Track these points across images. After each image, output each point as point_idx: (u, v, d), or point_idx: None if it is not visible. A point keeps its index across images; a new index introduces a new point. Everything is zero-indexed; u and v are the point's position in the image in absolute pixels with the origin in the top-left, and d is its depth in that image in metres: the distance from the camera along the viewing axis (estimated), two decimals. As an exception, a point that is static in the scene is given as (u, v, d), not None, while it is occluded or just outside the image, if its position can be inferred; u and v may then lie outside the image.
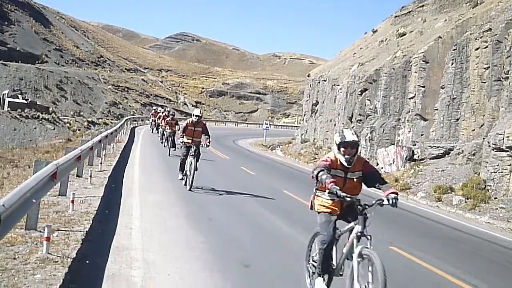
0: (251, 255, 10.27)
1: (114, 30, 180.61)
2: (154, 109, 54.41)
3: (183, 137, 18.63)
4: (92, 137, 24.06)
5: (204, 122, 19.53)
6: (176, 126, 32.74)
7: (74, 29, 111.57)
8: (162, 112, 43.42)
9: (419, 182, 26.04)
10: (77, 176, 17.96)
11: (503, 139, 21.31)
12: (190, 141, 18.54)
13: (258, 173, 27.23)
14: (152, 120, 51.08)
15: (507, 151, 21.23)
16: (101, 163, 21.65)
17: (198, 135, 18.59)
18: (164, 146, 33.53)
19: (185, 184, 18.14)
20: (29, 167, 22.08)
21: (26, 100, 60.21)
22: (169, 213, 13.75)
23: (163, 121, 37.36)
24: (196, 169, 17.86)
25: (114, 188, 16.54)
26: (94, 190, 15.86)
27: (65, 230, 10.24)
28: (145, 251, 9.52)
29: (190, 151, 18.26)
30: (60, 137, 51.54)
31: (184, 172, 18.54)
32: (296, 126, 78.54)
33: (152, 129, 49.69)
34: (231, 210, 15.22)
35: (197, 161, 18.09)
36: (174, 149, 29.87)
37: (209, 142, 19.02)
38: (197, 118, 18.62)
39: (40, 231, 9.50)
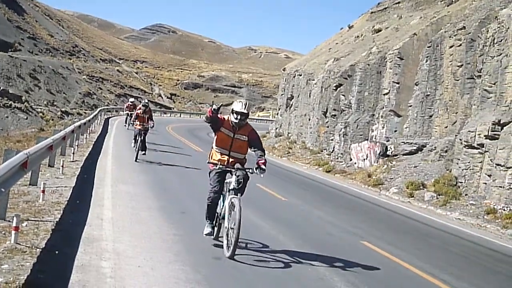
0: (222, 248, 10.25)
1: (89, 20, 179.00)
2: (131, 102, 46.52)
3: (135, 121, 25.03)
4: (65, 127, 23.81)
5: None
6: (150, 122, 24.40)
7: (48, 17, 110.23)
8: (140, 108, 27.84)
9: (392, 178, 26.22)
10: (48, 166, 17.78)
11: (475, 136, 21.53)
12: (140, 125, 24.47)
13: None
14: (128, 113, 44.28)
15: (478, 149, 21.45)
16: (73, 153, 21.46)
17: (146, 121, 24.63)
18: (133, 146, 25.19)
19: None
20: (-1, 156, 21.83)
21: (-2, 88, 59.43)
22: (141, 204, 13.66)
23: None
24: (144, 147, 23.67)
25: (86, 179, 16.41)
26: (65, 180, 15.72)
27: (34, 220, 10.13)
28: (116, 242, 9.45)
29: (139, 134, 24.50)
30: (32, 126, 50.97)
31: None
32: (271, 120, 78.57)
33: (128, 124, 42.05)
34: (204, 203, 15.14)
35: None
36: (143, 152, 23.50)
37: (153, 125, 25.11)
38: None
39: (9, 221, 9.38)
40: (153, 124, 24.53)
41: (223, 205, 10.10)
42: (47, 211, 11.05)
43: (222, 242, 9.84)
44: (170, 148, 30.96)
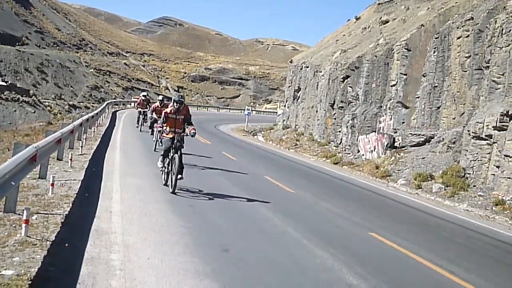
0: (231, 240, 10.30)
1: (96, 13, 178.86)
2: (144, 96, 37.62)
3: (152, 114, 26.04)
4: (73, 120, 23.87)
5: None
6: (189, 127, 31.60)
7: (55, 11, 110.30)
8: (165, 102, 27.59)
9: (400, 170, 26.20)
10: (57, 159, 17.83)
11: (483, 127, 21.49)
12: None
13: (240, 159, 27.23)
14: (140, 112, 35.65)
15: (486, 140, 21.41)
16: (81, 146, 21.52)
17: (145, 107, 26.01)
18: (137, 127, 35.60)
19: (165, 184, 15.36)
20: (8, 150, 21.88)
21: (6, 82, 59.51)
22: (149, 197, 13.71)
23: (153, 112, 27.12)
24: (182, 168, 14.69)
25: (95, 172, 16.46)
26: (74, 173, 15.77)
27: (44, 213, 10.18)
28: (125, 235, 9.51)
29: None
30: (40, 120, 51.12)
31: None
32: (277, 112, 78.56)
33: (140, 125, 35.08)
34: (211, 195, 15.21)
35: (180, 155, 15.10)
36: (180, 177, 26.05)
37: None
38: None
39: (19, 214, 9.43)
40: (195, 131, 15.63)
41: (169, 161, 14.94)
42: (57, 204, 11.10)
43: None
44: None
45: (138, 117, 35.89)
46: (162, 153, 15.22)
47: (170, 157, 14.82)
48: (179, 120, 15.20)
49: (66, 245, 8.45)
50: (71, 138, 20.83)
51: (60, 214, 10.25)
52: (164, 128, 15.23)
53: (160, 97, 33.37)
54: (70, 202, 11.48)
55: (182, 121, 15.27)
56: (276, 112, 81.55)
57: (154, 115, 26.02)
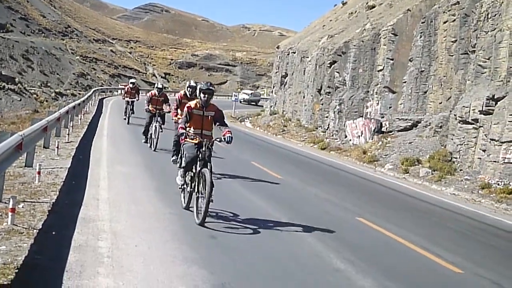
0: (219, 226, 10.29)
1: (81, 0, 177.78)
2: (132, 84, 34.48)
3: (148, 106, 22.16)
4: (60, 108, 23.74)
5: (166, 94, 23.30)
6: (137, 95, 33.14)
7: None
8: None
9: (387, 154, 26.29)
10: (44, 147, 17.76)
11: (469, 112, 21.57)
12: (153, 109, 21.80)
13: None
14: (128, 102, 32.04)
15: (473, 124, 21.51)
16: (68, 134, 21.44)
17: (160, 104, 22.12)
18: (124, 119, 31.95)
19: (150, 147, 20.71)
20: (-6, 138, 21.77)
21: (-9, 70, 59.08)
22: (137, 184, 13.70)
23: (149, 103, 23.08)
24: (161, 130, 20.90)
25: (82, 160, 16.41)
26: (61, 161, 15.72)
27: (31, 202, 10.15)
28: (113, 222, 9.49)
29: (154, 118, 21.17)
30: (26, 108, 50.79)
31: (150, 135, 21.11)
32: (265, 98, 78.43)
33: (128, 116, 31.18)
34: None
35: (162, 124, 21.18)
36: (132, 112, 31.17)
37: (169, 108, 21.52)
38: (158, 90, 22.53)
39: (5, 203, 9.39)
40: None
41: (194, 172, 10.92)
42: (43, 193, 11.07)
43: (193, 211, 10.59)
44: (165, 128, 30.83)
45: (126, 108, 31.76)
46: (184, 165, 11.08)
47: (195, 171, 10.79)
48: (208, 118, 11.01)
49: (53, 233, 8.43)
50: (57, 125, 20.74)
51: (47, 202, 10.22)
52: (187, 129, 10.94)
53: (133, 80, 35.47)
54: (57, 190, 11.46)
55: (212, 119, 11.05)
56: (263, 98, 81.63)
57: (150, 107, 21.79)
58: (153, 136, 20.74)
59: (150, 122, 21.38)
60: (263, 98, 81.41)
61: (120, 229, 9.16)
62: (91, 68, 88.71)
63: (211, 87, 11.07)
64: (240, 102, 70.52)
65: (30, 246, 7.61)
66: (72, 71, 78.84)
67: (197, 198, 10.42)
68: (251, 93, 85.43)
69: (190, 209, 10.85)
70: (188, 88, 16.32)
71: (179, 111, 16.02)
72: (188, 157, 10.81)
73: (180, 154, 12.63)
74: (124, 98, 33.77)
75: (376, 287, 7.86)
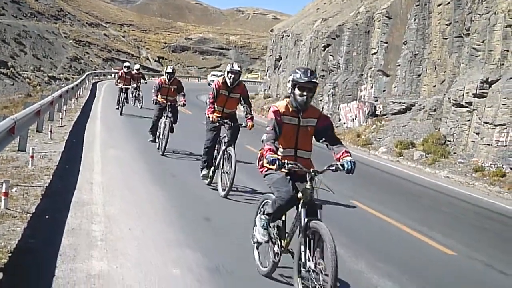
0: (213, 209, 10.31)
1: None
2: (126, 68, 30.42)
3: (157, 96, 17.25)
4: (53, 92, 23.66)
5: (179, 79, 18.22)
6: (132, 81, 30.14)
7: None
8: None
9: (381, 138, 26.30)
10: (37, 131, 17.71)
11: (463, 95, 21.58)
12: (164, 100, 17.13)
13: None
14: (121, 89, 28.51)
15: (467, 107, 21.53)
16: (61, 118, 21.37)
17: (172, 94, 17.31)
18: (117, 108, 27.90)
19: (158, 148, 16.52)
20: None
21: (-17, 54, 58.83)
22: (131, 168, 13.68)
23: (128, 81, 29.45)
24: (172, 131, 16.29)
25: (75, 143, 16.36)
26: (54, 145, 15.67)
27: (24, 186, 10.12)
28: (106, 206, 9.47)
29: (164, 112, 16.69)
30: (19, 92, 50.63)
31: (158, 134, 16.88)
32: (259, 82, 78.24)
33: (121, 105, 27.60)
34: (192, 165, 15.17)
35: (174, 122, 16.62)
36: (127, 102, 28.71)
37: (184, 101, 17.08)
38: (168, 75, 17.42)
39: (-2, 187, 9.37)
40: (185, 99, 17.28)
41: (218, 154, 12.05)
42: (37, 177, 11.04)
43: (216, 189, 11.65)
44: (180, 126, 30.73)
45: (119, 96, 28.24)
46: (272, 210, 6.86)
47: (222, 151, 11.81)
48: (307, 129, 6.86)
49: (47, 217, 8.41)
50: (50, 109, 20.68)
51: (40, 186, 10.19)
52: (212, 109, 11.86)
53: (127, 64, 31.58)
54: (51, 174, 11.43)
55: (312, 132, 6.94)
56: (257, 81, 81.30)
57: (159, 98, 17.37)
58: (161, 136, 16.37)
59: (159, 117, 16.99)
60: (258, 82, 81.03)
61: (113, 212, 9.14)
62: (85, 52, 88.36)
63: (238, 69, 12.18)
64: (209, 85, 67.55)
65: (24, 230, 7.59)
66: (65, 55, 78.54)
67: (221, 173, 11.74)
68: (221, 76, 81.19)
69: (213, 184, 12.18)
70: (230, 74, 11.97)
71: (216, 106, 12.15)
72: (281, 200, 6.61)
73: (212, 168, 12.17)
74: (117, 85, 29.14)
75: (370, 270, 7.88)
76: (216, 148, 12.29)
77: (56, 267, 6.39)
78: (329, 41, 35.89)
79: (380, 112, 29.61)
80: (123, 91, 28.16)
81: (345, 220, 10.97)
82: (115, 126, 22.59)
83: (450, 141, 22.24)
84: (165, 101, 17.13)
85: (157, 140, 16.97)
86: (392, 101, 28.94)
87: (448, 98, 22.79)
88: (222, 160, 11.81)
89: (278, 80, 49.06)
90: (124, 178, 12.34)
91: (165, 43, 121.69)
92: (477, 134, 20.66)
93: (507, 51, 20.38)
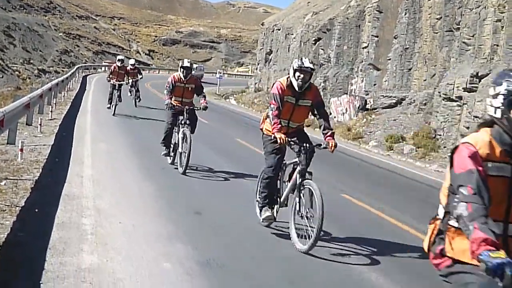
0: (203, 202, 10.29)
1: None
2: (120, 61, 26.83)
3: (171, 99, 13.48)
4: (43, 85, 23.54)
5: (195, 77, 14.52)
6: (126, 77, 26.49)
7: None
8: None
9: (371, 131, 26.34)
10: (26, 124, 17.62)
11: (453, 89, 21.63)
12: (179, 104, 13.51)
13: (212, 122, 27.12)
14: (113, 85, 25.35)
15: (457, 101, 21.58)
16: (51, 111, 21.31)
17: (189, 95, 13.71)
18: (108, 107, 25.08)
19: (172, 163, 13.65)
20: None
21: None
22: (121, 162, 13.64)
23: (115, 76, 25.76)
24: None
25: (65, 137, 16.31)
26: (44, 138, 15.61)
27: (13, 179, 10.07)
28: (97, 200, 9.44)
29: (180, 118, 13.37)
30: (8, 85, 50.20)
31: (172, 148, 13.72)
32: (250, 75, 78.16)
33: (115, 104, 24.27)
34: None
35: (191, 131, 13.15)
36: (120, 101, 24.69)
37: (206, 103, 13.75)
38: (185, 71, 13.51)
39: (-12, 180, 9.32)
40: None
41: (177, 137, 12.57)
42: (26, 170, 10.98)
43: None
44: (150, 103, 30.69)
45: (111, 94, 25.09)
46: (270, 176, 8.72)
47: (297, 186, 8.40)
48: (303, 108, 8.74)
49: (36, 210, 8.37)
50: (40, 103, 20.58)
51: (29, 180, 10.14)
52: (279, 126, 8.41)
53: (121, 57, 28.41)
54: (40, 168, 11.37)
55: (307, 110, 8.92)
56: (248, 75, 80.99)
57: (174, 100, 13.50)
58: (180, 149, 12.95)
59: (174, 124, 13.59)
60: (248, 76, 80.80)
61: (104, 206, 9.11)
62: (75, 45, 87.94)
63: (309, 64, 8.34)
64: None
65: (13, 223, 7.56)
66: (55, 48, 78.09)
67: (181, 154, 12.78)
68: (196, 67, 71.63)
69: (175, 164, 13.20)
70: (298, 74, 8.28)
71: (173, 100, 12.40)
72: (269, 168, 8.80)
73: (277, 207, 8.92)
74: (109, 80, 25.75)
75: (360, 264, 7.88)
76: (279, 178, 9.02)
77: (45, 261, 6.35)
78: (320, 35, 35.90)
79: (371, 106, 29.65)
80: (116, 88, 24.79)
81: (335, 213, 10.94)
82: (105, 119, 22.49)
83: (440, 135, 22.30)
84: (180, 104, 13.48)
85: (171, 153, 13.77)
86: (382, 95, 28.98)
87: (439, 92, 22.84)
88: (298, 200, 8.32)
89: (269, 73, 49.04)
90: (114, 171, 12.30)
91: (156, 36, 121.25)
92: (467, 128, 20.69)
93: (497, 45, 20.43)
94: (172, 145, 13.64)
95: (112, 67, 26.88)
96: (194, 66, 18.66)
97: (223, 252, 7.57)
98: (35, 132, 16.48)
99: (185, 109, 13.21)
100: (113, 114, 23.43)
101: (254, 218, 9.25)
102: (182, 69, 13.46)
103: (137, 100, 28.42)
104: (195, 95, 13.74)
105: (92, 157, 13.51)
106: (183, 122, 13.16)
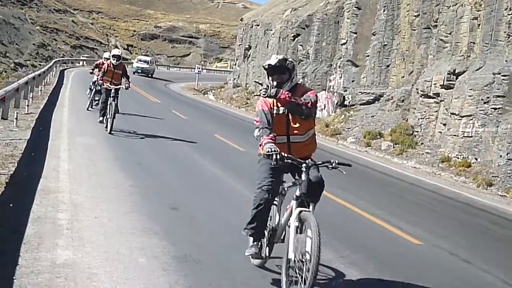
0: (180, 198, 10.27)
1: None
2: (116, 57, 18.60)
3: (102, 79, 18.42)
4: (19, 78, 23.29)
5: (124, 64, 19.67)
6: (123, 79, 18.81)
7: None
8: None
9: (349, 128, 26.44)
10: (2, 118, 17.42)
11: (431, 86, 21.80)
12: (109, 83, 18.14)
13: (190, 117, 27.09)
14: (109, 89, 18.12)
15: (434, 98, 21.74)
16: (28, 105, 21.07)
17: (118, 78, 18.37)
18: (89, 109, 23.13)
19: (106, 127, 17.66)
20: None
21: None
22: (98, 156, 13.54)
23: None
24: (117, 111, 17.98)
25: (42, 131, 16.15)
26: (20, 132, 15.44)
27: (-12, 173, 9.96)
28: (73, 194, 9.36)
29: (110, 94, 17.89)
30: (-16, 79, 49.74)
31: (105, 116, 18.06)
32: (229, 71, 78.06)
33: (110, 116, 17.56)
34: (161, 154, 15.13)
35: (116, 103, 17.71)
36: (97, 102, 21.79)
37: (129, 83, 18.80)
38: (115, 59, 18.40)
39: (-38, 174, 9.21)
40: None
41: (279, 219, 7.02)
42: (1, 164, 10.85)
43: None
44: (129, 100, 30.52)
45: (105, 101, 18.37)
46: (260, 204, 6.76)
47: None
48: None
49: (11, 205, 8.28)
50: (16, 96, 20.36)
51: (4, 174, 10.02)
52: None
53: (117, 52, 21.45)
54: (16, 162, 11.24)
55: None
56: (227, 71, 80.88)
57: (105, 80, 17.77)
58: (108, 116, 17.98)
59: (107, 100, 17.79)
60: (227, 71, 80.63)
61: (80, 201, 9.04)
62: (52, 38, 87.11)
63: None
64: (134, 73, 58.01)
65: (-13, 218, 7.48)
66: (32, 42, 77.31)
67: (108, 119, 17.39)
68: (150, 60, 67.43)
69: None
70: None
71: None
72: (259, 193, 6.71)
73: (265, 241, 6.99)
74: (101, 84, 19.07)
75: (337, 259, 7.91)
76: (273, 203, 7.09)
77: (19, 256, 6.28)
78: (298, 31, 35.93)
79: (349, 102, 29.76)
80: (112, 94, 18.11)
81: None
82: (83, 114, 22.32)
83: (417, 131, 22.45)
84: (110, 85, 18.09)
85: (104, 120, 18.01)
86: (361, 92, 29.10)
87: (416, 89, 22.99)
88: (288, 233, 6.34)
89: (248, 69, 48.99)
90: (91, 165, 12.21)
91: (134, 31, 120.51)
92: (444, 125, 20.88)
93: (474, 43, 20.62)
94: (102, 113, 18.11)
95: (106, 65, 19.14)
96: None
97: (200, 247, 7.54)
98: (10, 126, 16.30)
99: (113, 89, 17.81)
100: (109, 132, 17.37)
101: (230, 214, 9.25)
102: (113, 57, 18.35)
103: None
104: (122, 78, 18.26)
105: (68, 151, 13.41)
106: (111, 96, 17.65)
